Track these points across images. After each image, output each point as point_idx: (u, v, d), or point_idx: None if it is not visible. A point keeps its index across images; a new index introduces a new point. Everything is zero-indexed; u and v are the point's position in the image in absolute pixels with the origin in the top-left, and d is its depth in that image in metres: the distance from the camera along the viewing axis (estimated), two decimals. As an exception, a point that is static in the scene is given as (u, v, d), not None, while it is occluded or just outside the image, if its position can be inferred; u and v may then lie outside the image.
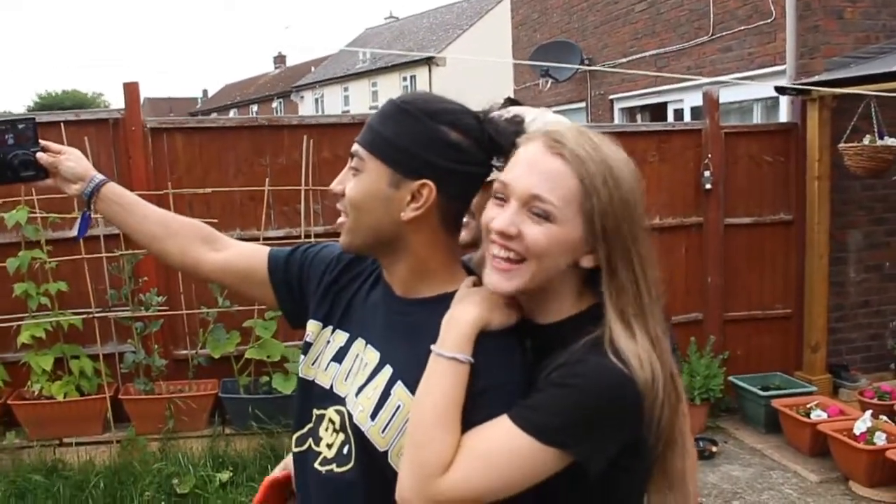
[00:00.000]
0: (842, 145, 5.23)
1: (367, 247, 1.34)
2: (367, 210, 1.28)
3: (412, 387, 1.22)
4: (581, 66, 9.05)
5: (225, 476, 4.34)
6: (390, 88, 30.42)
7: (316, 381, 1.41)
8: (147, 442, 4.62)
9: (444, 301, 1.27)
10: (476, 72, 17.14)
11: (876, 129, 5.10)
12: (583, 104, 9.62)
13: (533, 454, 1.12)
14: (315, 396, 1.40)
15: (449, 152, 1.25)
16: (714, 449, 4.96)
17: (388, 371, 1.29)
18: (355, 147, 1.31)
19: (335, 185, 1.34)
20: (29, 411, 4.65)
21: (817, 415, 4.80)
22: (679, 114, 7.84)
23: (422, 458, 1.13)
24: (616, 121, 8.85)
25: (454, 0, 34.86)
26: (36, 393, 4.65)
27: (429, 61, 27.46)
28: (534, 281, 1.20)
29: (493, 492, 1.13)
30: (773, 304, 5.84)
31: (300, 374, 1.46)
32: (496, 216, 1.21)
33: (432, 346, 1.19)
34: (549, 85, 10.16)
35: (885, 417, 4.71)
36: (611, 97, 9.04)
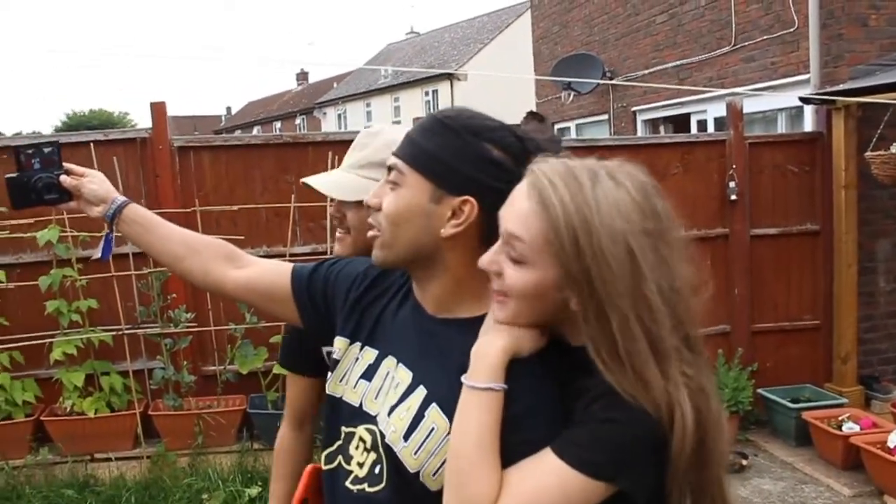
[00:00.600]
0: (868, 154, 5.18)
1: (402, 262, 1.32)
2: (406, 225, 1.27)
3: (446, 409, 1.21)
4: (601, 81, 9.05)
5: (254, 491, 4.36)
6: (412, 103, 30.56)
7: (344, 398, 1.39)
8: (177, 457, 4.66)
9: (477, 323, 1.25)
10: (498, 86, 17.14)
11: (903, 137, 5.05)
12: (605, 116, 9.61)
13: (583, 489, 1.11)
14: (343, 414, 1.39)
15: (491, 169, 1.25)
16: (744, 462, 4.91)
17: (421, 392, 1.27)
18: (394, 160, 1.30)
19: (371, 199, 1.33)
20: (61, 427, 4.71)
21: (849, 427, 4.74)
22: (703, 125, 7.81)
23: (468, 497, 1.12)
24: (639, 132, 8.83)
25: (475, 15, 35.02)
26: (68, 409, 4.72)
27: (450, 76, 27.57)
28: (521, 317, 1.19)
29: None
30: (801, 316, 5.79)
31: (328, 391, 1.44)
32: (488, 251, 1.21)
33: (463, 379, 1.17)
34: (570, 98, 10.17)
35: (917, 428, 4.65)
36: (633, 109, 9.03)
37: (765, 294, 5.73)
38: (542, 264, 1.14)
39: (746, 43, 6.91)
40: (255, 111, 49.00)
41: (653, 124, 8.94)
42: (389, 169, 1.30)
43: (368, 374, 1.37)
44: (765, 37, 6.67)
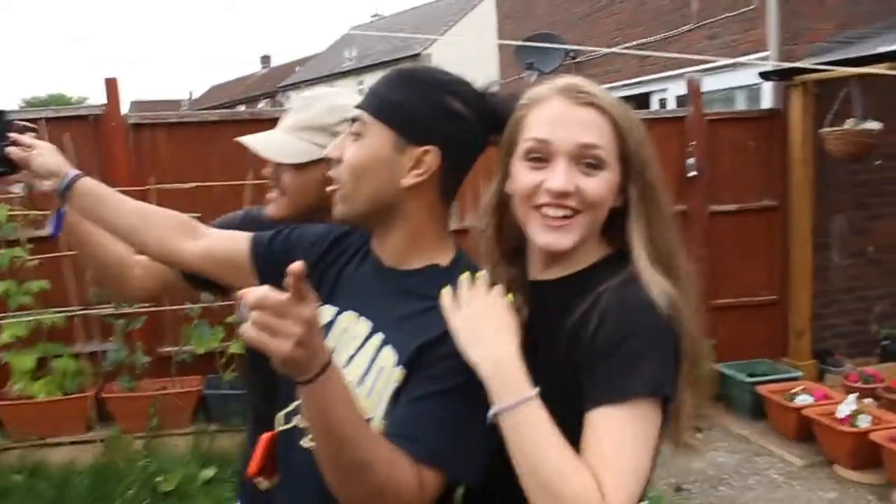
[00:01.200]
0: (824, 130, 5.23)
1: (362, 215, 1.32)
2: (368, 175, 1.27)
3: (398, 348, 1.23)
4: (556, 46, 9.03)
5: (210, 473, 4.31)
6: (377, 86, 30.28)
7: None
8: (131, 440, 4.59)
9: (434, 271, 1.29)
10: (463, 67, 17.05)
11: (858, 113, 5.10)
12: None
13: (655, 417, 1.11)
14: None
15: (454, 121, 1.27)
16: (699, 436, 4.95)
17: (378, 337, 1.28)
18: (357, 112, 1.30)
19: (332, 151, 1.33)
20: (11, 412, 4.61)
21: (802, 399, 4.80)
22: (664, 103, 7.85)
23: (572, 499, 1.05)
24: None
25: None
26: (18, 393, 4.61)
27: (416, 58, 27.42)
28: (589, 231, 1.23)
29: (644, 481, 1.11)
30: (758, 291, 5.85)
31: None
32: (547, 177, 1.20)
33: (495, 409, 1.13)
34: (534, 77, 10.14)
35: (869, 400, 4.73)
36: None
37: (724, 270, 5.76)
38: (614, 165, 1.22)
39: (707, 21, 6.94)
40: (219, 95, 48.35)
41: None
42: (353, 121, 1.31)
43: (325, 331, 1.35)
44: (725, 14, 6.70)
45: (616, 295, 1.16)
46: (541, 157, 1.22)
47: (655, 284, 1.17)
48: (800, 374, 5.36)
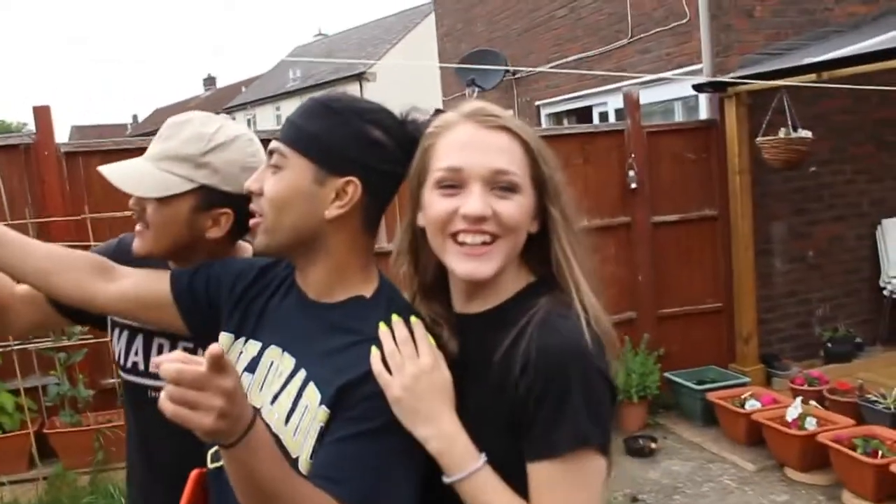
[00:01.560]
0: (759, 139, 5.35)
1: (284, 248, 1.29)
2: (289, 208, 1.25)
3: (322, 387, 1.20)
4: (492, 68, 9.11)
5: (158, 506, 4.19)
6: (322, 106, 30.15)
7: None
8: (76, 476, 4.45)
9: (359, 303, 1.27)
10: (406, 85, 17.11)
11: (790, 122, 5.23)
12: (510, 112, 9.67)
13: (593, 469, 1.13)
14: None
15: (374, 150, 1.25)
16: (653, 446, 4.99)
17: (302, 374, 1.25)
18: (275, 144, 1.28)
19: (251, 183, 1.30)
20: (-54, 453, 4.44)
21: (751, 405, 4.88)
22: (604, 116, 7.95)
23: None
24: (543, 126, 8.93)
25: (382, 15, 34.91)
26: (-47, 433, 4.44)
27: (359, 77, 27.41)
28: (508, 257, 1.20)
29: None
30: (704, 299, 5.94)
31: None
32: (461, 203, 1.18)
33: (449, 480, 1.15)
34: (475, 94, 10.20)
35: (815, 403, 4.82)
36: (537, 103, 9.13)
37: (669, 280, 5.85)
38: (528, 189, 1.20)
39: (642, 35, 7.06)
40: (163, 118, 47.36)
41: (556, 118, 9.06)
42: (271, 153, 1.28)
43: (252, 367, 1.34)
44: (659, 29, 6.82)
45: (540, 338, 1.13)
46: (454, 184, 1.19)
47: (590, 308, 1.17)
48: (748, 379, 5.45)
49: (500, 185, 1.18)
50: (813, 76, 4.94)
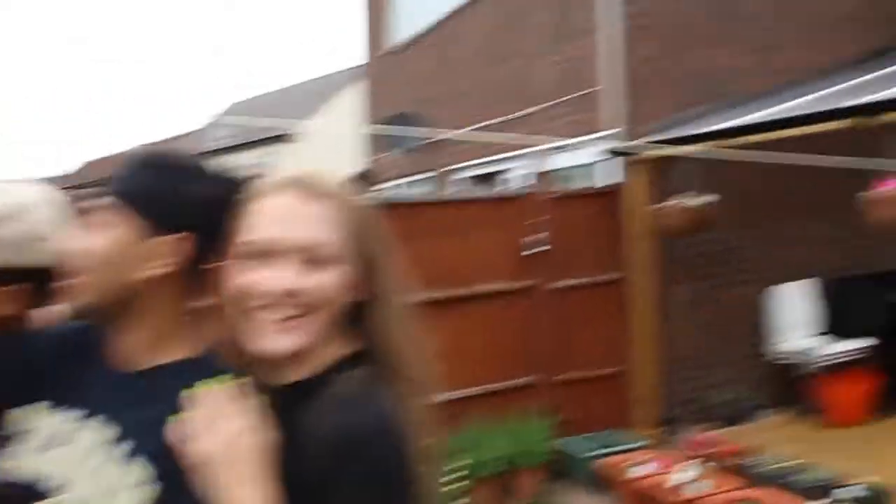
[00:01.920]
0: (653, 206, 5.48)
1: (104, 308, 1.23)
2: (112, 266, 1.20)
3: (150, 459, 1.15)
4: (404, 133, 9.22)
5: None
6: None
7: (39, 470, 1.24)
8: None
9: (185, 366, 1.22)
10: (335, 146, 17.20)
11: (692, 188, 5.34)
12: (431, 174, 9.81)
13: None
14: (40, 489, 1.23)
15: (203, 208, 1.23)
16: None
17: (126, 446, 1.19)
18: (100, 199, 1.24)
19: (71, 242, 1.25)
20: None
21: (638, 471, 4.87)
22: (509, 182, 8.10)
23: None
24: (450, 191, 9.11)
25: (311, 77, 35.16)
26: None
27: (287, 137, 27.44)
28: (317, 332, 1.17)
29: None
30: (604, 364, 5.97)
31: (16, 467, 1.27)
32: (270, 276, 1.14)
33: None
34: (398, 154, 10.31)
35: (711, 464, 4.86)
36: (445, 169, 9.30)
37: (570, 344, 5.86)
38: (341, 261, 1.17)
39: (551, 102, 7.24)
40: (94, 172, 46.54)
41: (465, 183, 9.23)
42: (95, 209, 1.24)
43: (65, 440, 1.25)
44: (568, 96, 7.00)
45: (342, 416, 1.11)
46: (261, 255, 1.17)
47: (407, 383, 1.16)
48: (644, 443, 5.47)
49: (312, 258, 1.16)
50: (716, 143, 5.07)
